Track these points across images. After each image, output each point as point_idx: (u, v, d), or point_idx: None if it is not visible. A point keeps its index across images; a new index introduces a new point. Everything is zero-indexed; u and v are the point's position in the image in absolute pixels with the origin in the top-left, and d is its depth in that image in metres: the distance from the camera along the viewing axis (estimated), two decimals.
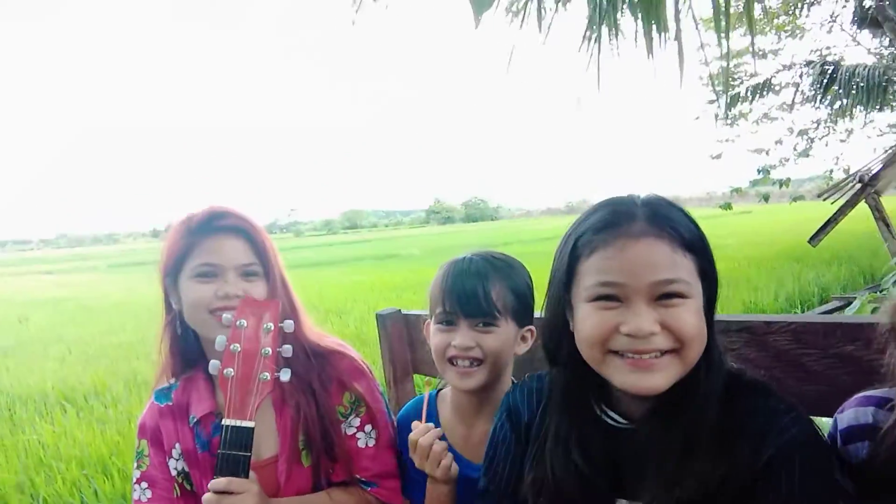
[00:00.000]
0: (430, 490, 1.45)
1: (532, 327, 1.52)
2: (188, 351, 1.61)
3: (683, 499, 0.99)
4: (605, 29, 3.31)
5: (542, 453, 1.16)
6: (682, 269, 1.01)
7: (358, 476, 1.57)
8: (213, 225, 1.53)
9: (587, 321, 1.04)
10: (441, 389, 1.67)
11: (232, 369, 1.33)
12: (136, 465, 1.60)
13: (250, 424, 1.30)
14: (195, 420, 1.56)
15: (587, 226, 1.07)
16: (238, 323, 1.35)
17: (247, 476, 1.29)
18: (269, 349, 1.34)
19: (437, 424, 1.57)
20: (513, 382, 1.52)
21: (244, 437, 1.29)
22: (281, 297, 1.54)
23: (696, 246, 1.04)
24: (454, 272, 1.47)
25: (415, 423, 1.46)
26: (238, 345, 1.34)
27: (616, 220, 1.04)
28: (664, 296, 1.00)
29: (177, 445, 1.57)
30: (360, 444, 1.58)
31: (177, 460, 1.57)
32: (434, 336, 1.50)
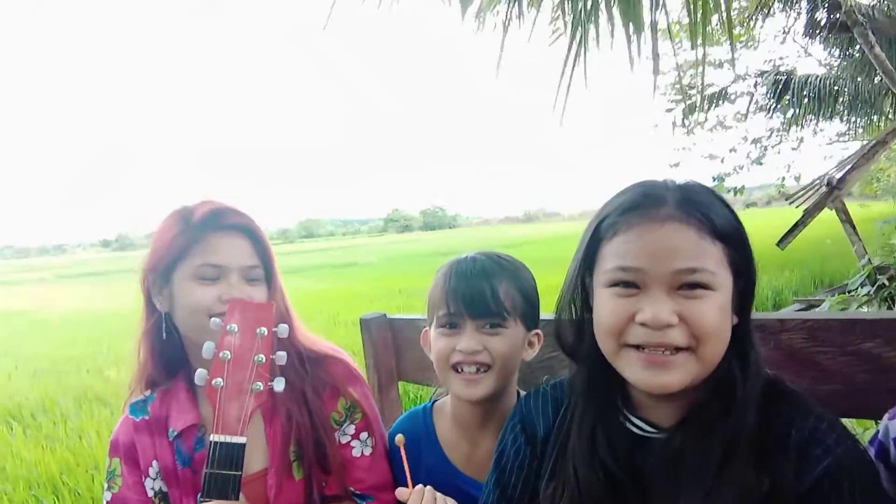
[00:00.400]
0: None
1: (539, 331, 1.41)
2: (171, 358, 1.46)
3: None
4: (578, 33, 3.27)
5: (562, 459, 1.07)
6: (709, 258, 0.93)
7: (352, 489, 1.44)
8: (218, 222, 1.39)
9: (604, 308, 0.98)
10: (437, 400, 1.54)
11: (221, 379, 1.18)
12: (106, 486, 1.45)
13: (241, 440, 1.17)
14: (175, 434, 1.42)
15: (613, 207, 1.00)
16: (228, 327, 1.20)
17: (237, 498, 1.16)
18: (263, 356, 1.20)
19: (435, 439, 1.45)
20: (518, 393, 1.42)
21: (234, 455, 1.16)
22: (278, 302, 1.43)
23: (729, 235, 0.95)
24: (458, 272, 1.36)
25: (400, 491, 1.23)
26: (228, 352, 1.19)
27: (643, 202, 0.97)
28: (686, 286, 0.93)
29: (154, 463, 1.43)
30: (355, 452, 1.46)
31: (154, 479, 1.42)
32: (436, 341, 1.37)
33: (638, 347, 0.95)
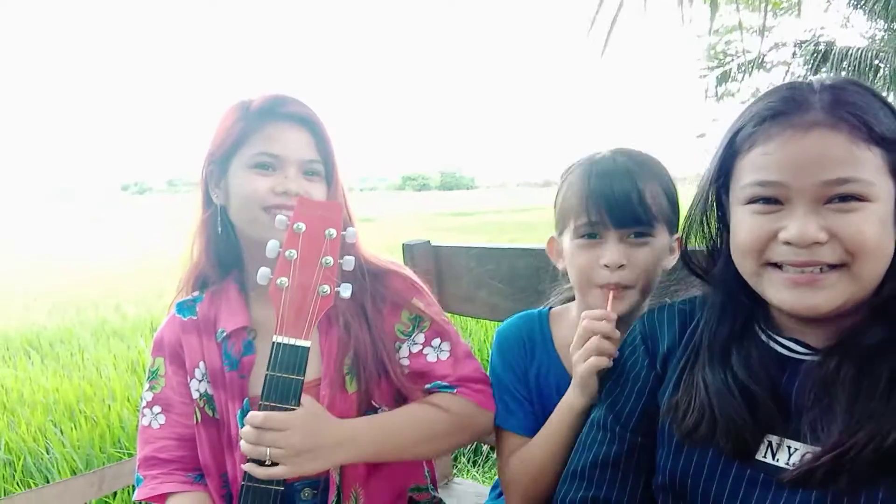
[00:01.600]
0: (562, 401, 1.21)
1: (679, 235, 1.24)
2: (225, 256, 1.38)
3: (866, 446, 0.80)
4: None
5: (689, 375, 0.98)
6: (865, 166, 0.82)
7: (440, 383, 1.34)
8: (278, 111, 1.31)
9: (741, 226, 0.89)
10: (553, 307, 1.43)
11: (286, 279, 1.10)
12: (147, 386, 1.38)
13: (306, 343, 1.09)
14: (224, 335, 1.34)
15: (749, 116, 0.90)
16: (295, 226, 1.11)
17: (298, 404, 1.09)
18: (331, 259, 1.11)
19: (550, 343, 1.35)
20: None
21: (298, 358, 1.09)
22: (339, 200, 1.35)
23: (890, 139, 0.83)
24: (597, 172, 1.21)
25: (587, 312, 1.18)
26: (295, 251, 1.11)
27: (784, 108, 0.87)
28: (836, 198, 0.83)
29: (201, 364, 1.36)
30: (430, 358, 1.36)
31: (199, 381, 1.36)
32: (575, 254, 1.24)
33: (782, 267, 0.86)
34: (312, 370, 1.32)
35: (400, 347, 1.38)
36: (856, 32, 14.03)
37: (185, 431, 1.35)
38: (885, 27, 12.35)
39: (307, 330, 1.10)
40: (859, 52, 11.62)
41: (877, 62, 11.51)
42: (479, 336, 5.27)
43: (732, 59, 13.12)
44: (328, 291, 1.11)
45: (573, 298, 1.39)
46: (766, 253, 0.88)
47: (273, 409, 1.08)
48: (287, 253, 1.11)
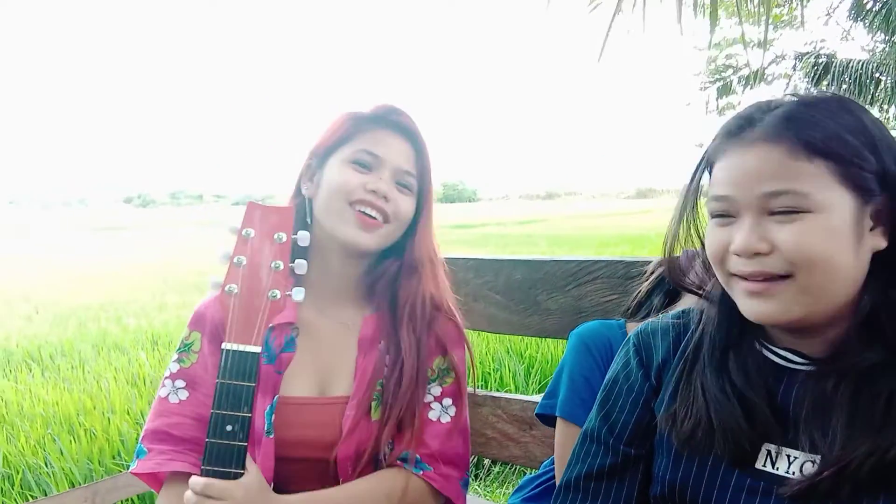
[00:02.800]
0: None
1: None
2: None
3: (867, 460, 0.81)
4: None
5: (686, 384, 0.99)
6: (804, 178, 0.84)
7: (408, 452, 1.31)
8: (388, 118, 1.36)
9: (708, 239, 0.94)
10: (629, 321, 1.47)
11: (235, 285, 1.10)
12: (176, 357, 1.33)
13: (255, 349, 1.09)
14: (269, 326, 1.29)
15: (719, 131, 0.95)
16: (244, 232, 1.12)
17: (249, 412, 1.08)
18: (281, 263, 1.12)
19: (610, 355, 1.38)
20: None
21: (248, 365, 1.08)
22: (429, 230, 1.40)
23: (835, 150, 0.85)
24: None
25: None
26: (244, 257, 1.11)
27: (740, 124, 0.91)
28: (778, 210, 0.86)
29: None
30: (432, 415, 1.34)
31: None
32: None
33: (742, 276, 0.91)
34: (343, 386, 1.32)
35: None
36: (857, 45, 14.10)
37: (205, 413, 1.26)
38: (886, 40, 12.38)
39: (256, 336, 1.10)
40: (860, 64, 11.64)
41: (878, 75, 11.54)
42: (480, 348, 5.28)
43: (733, 72, 13.15)
44: (278, 296, 1.11)
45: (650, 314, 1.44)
46: (726, 264, 0.92)
47: (217, 472, 1.07)
48: (236, 259, 1.11)
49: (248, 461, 1.09)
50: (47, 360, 6.44)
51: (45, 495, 3.25)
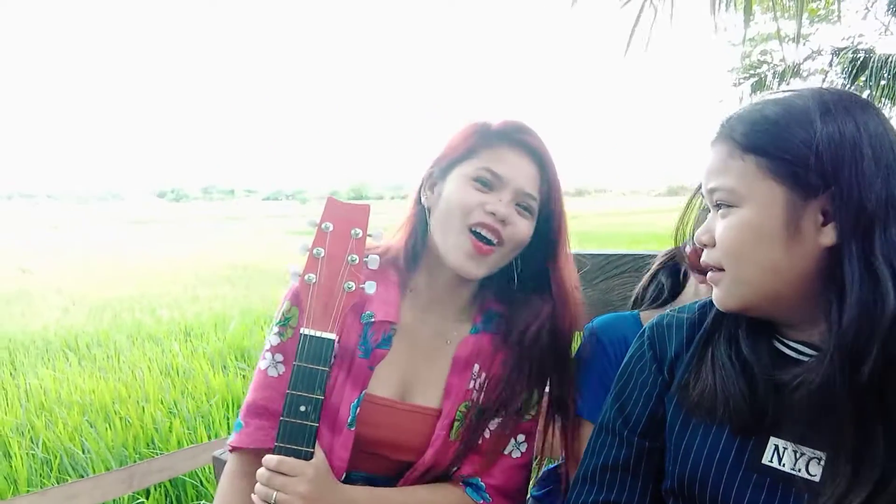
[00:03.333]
0: None
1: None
2: (411, 252, 1.39)
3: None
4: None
5: (699, 358, 1.01)
6: (734, 174, 0.90)
7: (478, 479, 1.31)
8: (515, 136, 1.32)
9: None
10: (643, 310, 1.48)
11: (314, 275, 1.16)
12: (276, 331, 1.34)
13: (331, 336, 1.14)
14: (370, 320, 1.34)
15: None
16: (324, 226, 1.17)
17: (322, 395, 1.12)
18: (357, 257, 1.17)
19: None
20: None
21: (323, 350, 1.13)
22: (569, 259, 1.36)
23: (765, 146, 0.88)
24: None
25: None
26: (322, 249, 1.17)
27: (717, 125, 0.98)
28: (716, 205, 0.94)
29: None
30: (506, 450, 1.33)
31: None
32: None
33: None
34: (426, 398, 1.33)
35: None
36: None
37: None
38: None
39: (333, 323, 1.14)
40: None
41: None
42: None
43: (768, 68, 12.90)
44: (353, 287, 1.16)
45: (664, 304, 1.46)
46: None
47: (289, 449, 1.11)
48: (315, 251, 1.16)
49: (317, 445, 1.13)
50: (84, 349, 6.60)
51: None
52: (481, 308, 1.39)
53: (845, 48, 12.30)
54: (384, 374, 1.32)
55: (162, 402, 4.37)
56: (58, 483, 3.42)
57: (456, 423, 1.30)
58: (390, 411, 1.31)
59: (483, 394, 1.32)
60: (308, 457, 1.11)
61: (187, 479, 3.22)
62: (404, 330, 1.36)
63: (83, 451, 3.64)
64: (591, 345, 1.42)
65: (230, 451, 1.33)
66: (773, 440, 0.92)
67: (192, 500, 3.21)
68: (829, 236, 0.85)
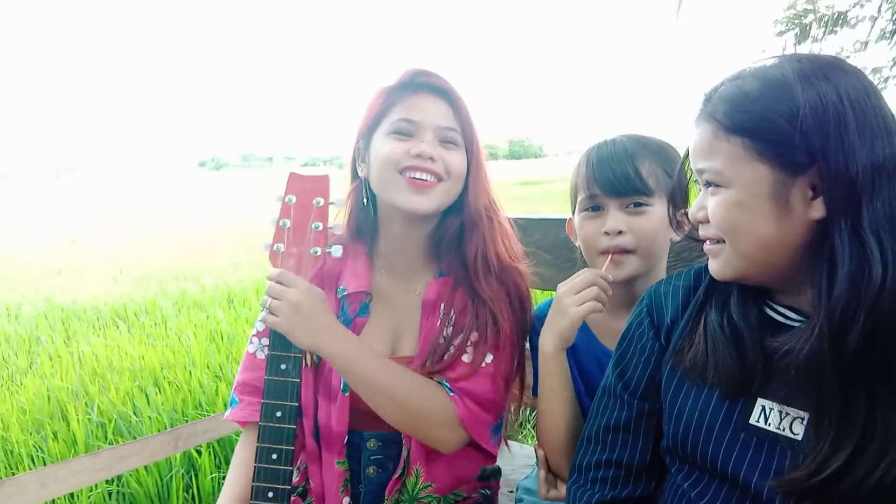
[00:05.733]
0: (539, 349, 1.29)
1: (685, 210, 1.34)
2: (364, 223, 1.48)
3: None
4: None
5: (694, 323, 1.04)
6: (721, 155, 0.92)
7: (442, 380, 1.36)
8: (416, 81, 1.41)
9: None
10: None
11: (282, 245, 1.26)
12: (261, 317, 1.39)
13: None
14: (344, 293, 1.44)
15: None
16: (287, 198, 1.26)
17: (299, 352, 1.23)
18: (320, 224, 1.26)
19: (586, 326, 1.41)
20: None
21: None
22: (482, 180, 1.43)
23: (752, 127, 0.89)
24: (598, 154, 1.34)
25: (586, 268, 1.30)
26: (288, 220, 1.26)
27: (701, 100, 0.99)
28: (706, 184, 0.96)
29: None
30: (465, 358, 1.38)
31: None
32: (582, 226, 1.35)
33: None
34: (409, 347, 1.42)
35: None
36: None
37: None
38: None
39: None
40: None
41: None
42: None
43: (814, 15, 12.41)
44: (318, 252, 1.25)
45: None
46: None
47: (279, 363, 1.23)
48: (281, 222, 1.26)
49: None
50: (132, 318, 6.83)
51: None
52: (439, 248, 1.46)
53: None
54: (371, 337, 1.41)
55: (208, 367, 4.53)
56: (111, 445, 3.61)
57: (428, 360, 1.38)
58: None
59: (453, 327, 1.40)
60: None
61: (235, 438, 3.36)
62: (379, 294, 1.46)
63: (135, 415, 3.80)
64: (530, 338, 1.47)
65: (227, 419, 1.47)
66: (760, 401, 0.95)
67: None
68: (818, 210, 0.87)
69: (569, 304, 1.23)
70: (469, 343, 1.38)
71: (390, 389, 1.30)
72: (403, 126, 1.37)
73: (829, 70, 0.87)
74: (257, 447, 1.21)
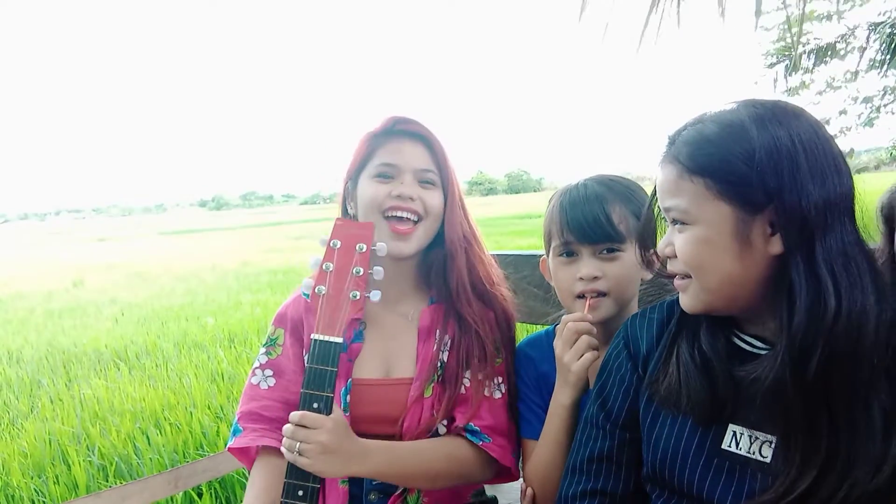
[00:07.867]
0: (554, 402, 1.37)
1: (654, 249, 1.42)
2: None
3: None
4: None
5: (668, 353, 1.09)
6: (686, 194, 0.98)
7: (471, 425, 1.47)
8: (396, 129, 1.54)
9: None
10: (557, 325, 1.57)
11: (324, 287, 1.31)
12: (264, 350, 1.57)
13: (338, 340, 1.29)
14: None
15: None
16: (332, 243, 1.32)
17: (332, 391, 1.26)
18: (361, 269, 1.31)
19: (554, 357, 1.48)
20: None
21: (331, 353, 1.28)
22: (457, 215, 1.54)
23: (713, 171, 0.95)
24: (569, 200, 1.41)
25: (567, 317, 1.36)
26: (331, 264, 1.32)
27: (666, 142, 1.05)
28: (673, 221, 1.01)
29: None
30: (487, 392, 1.51)
31: None
32: (557, 271, 1.43)
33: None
34: (404, 370, 1.52)
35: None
36: None
37: (290, 397, 1.51)
38: None
39: (339, 328, 1.29)
40: None
41: None
42: (520, 335, 5.32)
43: (803, 47, 12.60)
44: (358, 296, 1.30)
45: None
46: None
47: (311, 401, 1.26)
48: (325, 265, 1.31)
49: (335, 407, 1.27)
50: (133, 359, 6.83)
51: None
52: (428, 278, 1.58)
53: (882, 23, 11.99)
54: (368, 361, 1.53)
55: (209, 408, 4.54)
56: None
57: (428, 384, 1.49)
58: (378, 389, 1.50)
59: (450, 352, 1.51)
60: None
61: (236, 477, 3.37)
62: (372, 320, 1.56)
63: (136, 457, 3.81)
64: (520, 362, 1.56)
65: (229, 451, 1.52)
66: (731, 426, 1.00)
67: (241, 500, 3.34)
68: (776, 245, 0.93)
69: (569, 361, 1.31)
70: (479, 375, 1.49)
71: (424, 471, 1.42)
72: (385, 169, 1.51)
73: (782, 114, 0.94)
74: None
